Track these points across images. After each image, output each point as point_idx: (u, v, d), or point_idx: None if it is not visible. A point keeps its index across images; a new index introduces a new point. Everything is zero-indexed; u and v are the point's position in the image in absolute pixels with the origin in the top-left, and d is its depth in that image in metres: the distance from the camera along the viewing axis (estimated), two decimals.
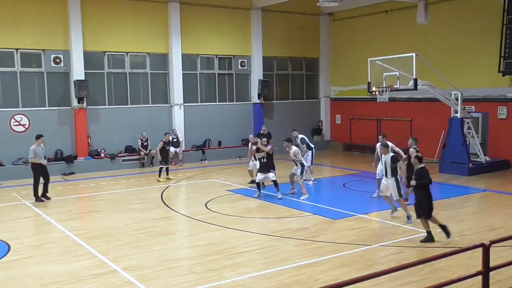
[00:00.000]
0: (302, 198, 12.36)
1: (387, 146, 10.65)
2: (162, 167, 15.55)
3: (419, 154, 9.06)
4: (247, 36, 21.09)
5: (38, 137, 12.78)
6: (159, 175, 15.55)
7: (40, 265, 8.01)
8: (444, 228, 8.73)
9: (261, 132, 16.87)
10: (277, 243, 8.91)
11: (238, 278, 7.24)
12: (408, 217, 9.92)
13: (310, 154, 14.25)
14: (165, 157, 15.63)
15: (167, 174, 15.69)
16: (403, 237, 9.17)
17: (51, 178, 16.04)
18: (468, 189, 13.61)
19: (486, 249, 4.90)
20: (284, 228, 9.88)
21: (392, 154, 10.33)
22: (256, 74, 21.27)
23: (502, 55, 16.12)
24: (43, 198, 12.71)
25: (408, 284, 6.81)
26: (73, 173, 17.06)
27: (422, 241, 8.65)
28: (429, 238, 8.64)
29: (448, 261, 7.17)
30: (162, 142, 15.58)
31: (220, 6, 20.17)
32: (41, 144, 12.70)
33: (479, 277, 4.98)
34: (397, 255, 8.17)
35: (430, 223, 8.71)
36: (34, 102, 17.20)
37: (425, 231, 8.70)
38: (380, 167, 11.48)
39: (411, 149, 10.79)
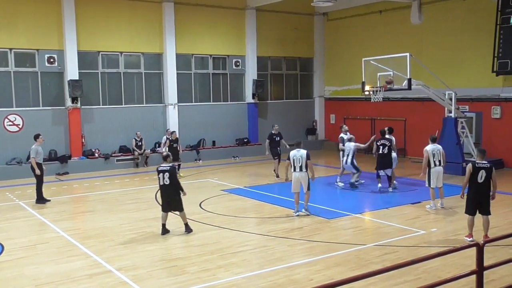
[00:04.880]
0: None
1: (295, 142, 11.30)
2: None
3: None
4: (241, 36, 21.08)
5: (38, 136, 12.50)
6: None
7: (34, 265, 7.97)
8: (186, 226, 9.58)
9: (273, 132, 15.66)
10: (271, 243, 8.92)
11: (233, 278, 7.23)
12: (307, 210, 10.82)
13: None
14: (173, 154, 15.46)
15: (178, 170, 15.84)
16: (397, 236, 9.20)
17: (46, 178, 16.03)
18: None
19: (480, 248, 4.91)
20: (279, 228, 9.89)
21: (306, 151, 10.74)
22: (251, 74, 21.25)
23: (496, 55, 16.20)
24: (49, 199, 12.55)
25: (402, 283, 6.83)
26: (67, 173, 16.98)
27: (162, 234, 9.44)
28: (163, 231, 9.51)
29: (442, 260, 7.20)
30: (168, 141, 16.03)
31: (215, 6, 20.13)
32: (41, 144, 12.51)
33: (473, 277, 5.00)
34: (392, 254, 8.19)
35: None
36: (28, 102, 17.10)
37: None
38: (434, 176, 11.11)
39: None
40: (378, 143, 13.11)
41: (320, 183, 15.31)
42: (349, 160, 13.57)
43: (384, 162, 12.97)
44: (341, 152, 14.36)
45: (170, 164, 9.57)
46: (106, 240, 9.21)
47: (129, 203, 12.56)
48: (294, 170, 10.70)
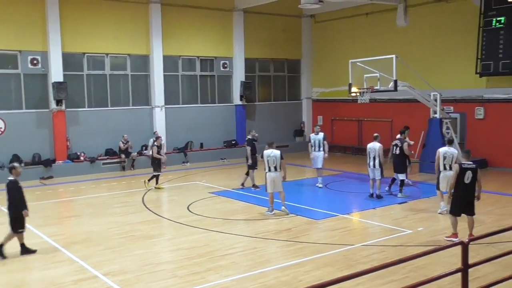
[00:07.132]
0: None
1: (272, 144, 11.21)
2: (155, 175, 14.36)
3: None
4: (229, 37, 21.07)
5: None
6: (157, 183, 14.40)
7: (18, 272, 7.84)
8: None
9: (250, 137, 14.19)
10: (260, 244, 8.91)
11: (222, 281, 7.20)
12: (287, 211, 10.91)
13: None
14: (156, 162, 14.44)
15: (149, 181, 14.37)
16: (385, 236, 9.26)
17: (29, 183, 15.84)
18: None
19: (465, 247, 4.99)
20: (267, 230, 9.88)
21: (279, 151, 10.90)
22: (238, 75, 21.25)
23: (479, 56, 16.47)
24: None
25: (390, 282, 6.88)
26: (52, 177, 16.74)
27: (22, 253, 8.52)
28: (26, 250, 8.57)
29: (428, 259, 7.27)
30: (156, 147, 14.41)
31: (202, 7, 20.10)
32: None
33: (459, 274, 5.06)
34: (379, 254, 8.24)
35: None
36: (10, 104, 16.83)
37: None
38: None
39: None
40: (393, 144, 12.76)
41: (308, 184, 15.38)
42: (376, 163, 12.11)
43: (394, 163, 12.49)
44: (312, 148, 14.24)
45: (12, 178, 8.50)
46: (93, 245, 9.10)
47: (116, 206, 12.43)
48: (269, 170, 10.84)
